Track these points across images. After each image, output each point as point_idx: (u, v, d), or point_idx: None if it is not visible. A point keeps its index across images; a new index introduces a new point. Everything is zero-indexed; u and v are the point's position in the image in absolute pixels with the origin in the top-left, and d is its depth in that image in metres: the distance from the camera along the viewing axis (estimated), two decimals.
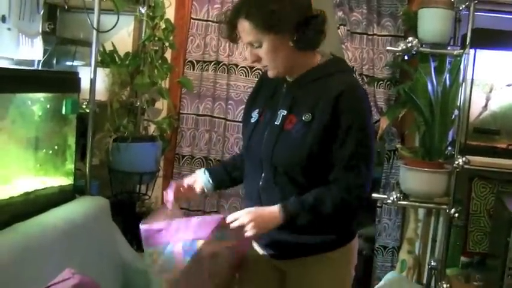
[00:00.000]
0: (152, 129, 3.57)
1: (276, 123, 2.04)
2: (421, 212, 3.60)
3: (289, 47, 1.95)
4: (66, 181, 2.67)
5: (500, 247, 2.83)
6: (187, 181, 2.29)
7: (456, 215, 3.13)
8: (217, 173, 2.33)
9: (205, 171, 2.31)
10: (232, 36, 2.02)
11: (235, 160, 2.38)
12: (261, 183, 2.08)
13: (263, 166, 2.07)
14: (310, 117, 1.97)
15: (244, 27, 1.93)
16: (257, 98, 2.20)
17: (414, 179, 3.14)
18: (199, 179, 2.29)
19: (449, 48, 3.28)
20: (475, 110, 3.33)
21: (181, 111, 3.84)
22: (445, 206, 3.17)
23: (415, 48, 3.09)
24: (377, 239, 3.68)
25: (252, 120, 2.14)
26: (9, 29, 2.45)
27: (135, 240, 2.91)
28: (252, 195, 2.14)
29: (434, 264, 3.39)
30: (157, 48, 3.42)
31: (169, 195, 2.16)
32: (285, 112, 2.04)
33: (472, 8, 3.07)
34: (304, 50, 1.99)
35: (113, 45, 3.28)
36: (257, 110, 2.14)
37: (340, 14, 3.54)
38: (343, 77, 2.05)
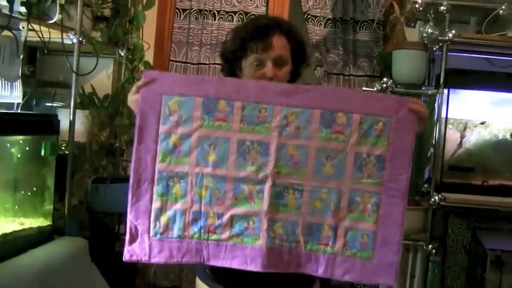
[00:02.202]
0: None
1: None
2: None
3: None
4: (45, 222, 2.66)
5: (477, 282, 2.87)
6: None
7: (433, 251, 3.16)
8: None
9: None
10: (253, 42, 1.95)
11: None
12: None
13: None
14: None
15: (282, 41, 1.95)
16: None
17: None
18: None
19: (423, 88, 3.35)
20: (450, 148, 3.38)
21: None
22: (422, 243, 3.19)
23: (390, 89, 3.14)
24: None
25: None
26: None
27: (114, 280, 2.90)
28: None
29: None
30: None
31: None
32: None
33: (444, 49, 3.15)
34: None
35: (92, 88, 3.31)
36: None
37: (317, 55, 3.60)
38: None
